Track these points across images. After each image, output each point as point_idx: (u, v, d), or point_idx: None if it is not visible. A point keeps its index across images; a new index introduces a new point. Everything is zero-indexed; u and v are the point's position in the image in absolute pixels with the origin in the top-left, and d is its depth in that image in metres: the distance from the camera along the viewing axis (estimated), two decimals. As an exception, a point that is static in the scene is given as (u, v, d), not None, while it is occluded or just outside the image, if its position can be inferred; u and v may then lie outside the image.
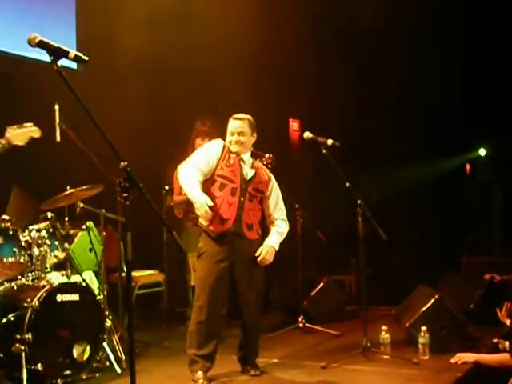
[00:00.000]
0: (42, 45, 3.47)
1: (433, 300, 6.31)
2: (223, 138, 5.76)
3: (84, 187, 5.97)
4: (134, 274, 7.51)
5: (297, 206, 7.32)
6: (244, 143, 5.67)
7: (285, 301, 8.08)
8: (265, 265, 5.69)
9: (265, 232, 5.84)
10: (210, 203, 5.36)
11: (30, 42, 3.47)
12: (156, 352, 6.44)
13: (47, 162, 6.87)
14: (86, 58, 3.47)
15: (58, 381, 5.35)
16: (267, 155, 6.69)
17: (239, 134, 5.64)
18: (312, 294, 7.81)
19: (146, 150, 8.01)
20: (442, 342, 6.13)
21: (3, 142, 5.08)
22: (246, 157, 5.74)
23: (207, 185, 5.58)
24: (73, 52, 3.46)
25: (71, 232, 6.18)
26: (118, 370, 5.74)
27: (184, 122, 8.07)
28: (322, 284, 7.91)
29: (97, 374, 5.68)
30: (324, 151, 6.06)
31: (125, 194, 3.40)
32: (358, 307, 8.34)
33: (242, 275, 5.59)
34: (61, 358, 5.42)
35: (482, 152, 10.80)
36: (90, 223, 6.58)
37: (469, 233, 9.58)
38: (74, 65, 7.88)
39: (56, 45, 3.47)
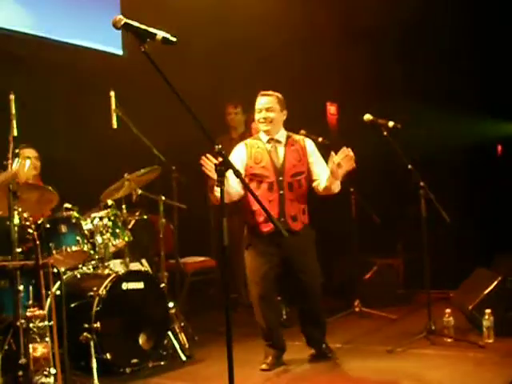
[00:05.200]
0: (127, 27, 3.40)
1: (496, 282, 6.21)
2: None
3: (142, 171, 5.89)
4: (187, 260, 7.47)
5: (352, 189, 7.22)
6: (273, 120, 5.48)
7: (337, 285, 8.01)
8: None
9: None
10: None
11: (116, 25, 3.41)
12: (215, 339, 6.38)
13: (104, 148, 6.83)
14: (174, 39, 3.38)
15: (126, 369, 5.33)
16: (320, 139, 6.59)
17: (267, 109, 5.47)
18: (366, 277, 7.74)
19: (188, 135, 7.93)
20: (506, 325, 6.01)
21: None
22: (280, 136, 5.54)
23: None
24: (160, 34, 3.38)
25: (129, 219, 6.11)
26: (183, 358, 5.70)
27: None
28: (375, 268, 7.84)
29: (162, 362, 5.64)
30: (385, 133, 5.96)
31: (220, 178, 3.29)
32: (408, 291, 8.26)
33: (293, 266, 5.47)
34: (128, 347, 5.41)
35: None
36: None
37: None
38: (120, 51, 7.99)
39: (142, 27, 3.40)
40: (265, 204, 4.91)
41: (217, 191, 5.08)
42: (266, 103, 5.48)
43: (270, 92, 5.54)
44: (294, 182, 5.43)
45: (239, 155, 5.47)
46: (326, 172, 5.41)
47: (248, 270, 5.52)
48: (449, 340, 6.02)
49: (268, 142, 5.52)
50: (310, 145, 5.61)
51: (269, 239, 5.35)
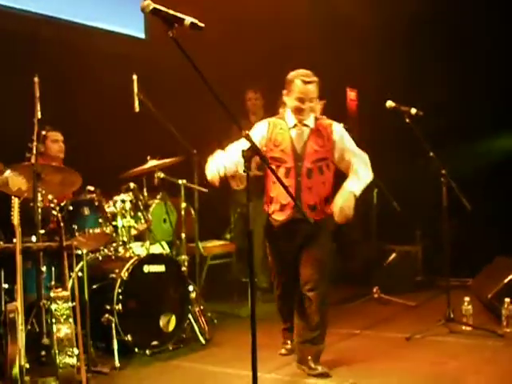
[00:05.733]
0: (155, 12, 3.39)
1: (516, 271, 6.22)
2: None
3: (166, 160, 5.94)
4: (207, 244, 7.50)
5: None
6: (314, 110, 5.06)
7: (357, 271, 8.02)
8: (345, 221, 4.89)
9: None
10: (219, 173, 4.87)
11: (144, 10, 3.38)
12: (234, 322, 6.42)
13: (126, 131, 6.86)
14: (203, 24, 3.37)
15: (147, 351, 5.39)
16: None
17: (310, 100, 4.92)
18: (385, 264, 7.76)
19: (210, 119, 7.96)
20: (525, 314, 6.02)
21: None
22: (308, 121, 5.02)
23: (266, 169, 5.06)
24: (188, 19, 3.36)
25: (150, 202, 6.14)
26: (203, 341, 5.75)
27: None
28: (394, 254, 7.86)
29: (181, 345, 5.70)
30: (407, 120, 5.93)
31: (246, 164, 3.29)
32: (426, 278, 8.27)
33: (303, 256, 5.00)
34: (148, 329, 5.47)
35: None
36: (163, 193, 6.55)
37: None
38: (142, 34, 8.02)
39: (170, 12, 3.38)
40: (280, 191, 4.85)
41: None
42: (310, 93, 4.93)
43: (312, 77, 4.95)
44: (314, 169, 4.97)
45: (260, 133, 5.07)
46: (354, 158, 5.06)
47: (269, 258, 5.29)
48: (467, 328, 6.02)
49: (294, 126, 5.03)
50: (337, 132, 5.07)
51: (283, 229, 5.02)
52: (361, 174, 5.05)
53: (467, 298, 6.14)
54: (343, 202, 4.85)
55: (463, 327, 6.03)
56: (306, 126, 5.02)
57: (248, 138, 3.24)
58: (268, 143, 5.04)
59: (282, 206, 4.99)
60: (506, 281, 6.21)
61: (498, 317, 6.07)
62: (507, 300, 5.96)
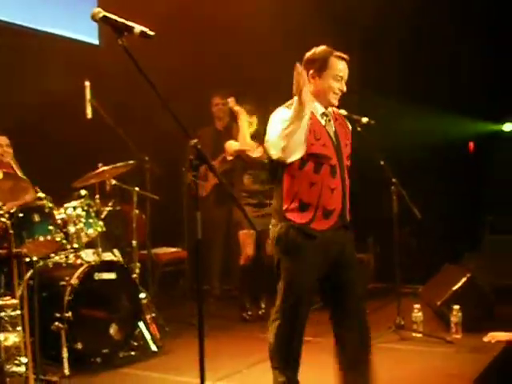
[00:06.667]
0: (105, 20, 3.39)
1: (465, 279, 6.31)
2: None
3: (117, 165, 5.91)
4: (159, 251, 7.49)
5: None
6: None
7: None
8: None
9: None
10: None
11: (94, 17, 3.38)
12: (186, 330, 6.40)
13: (78, 139, 6.82)
14: (152, 33, 3.38)
15: (97, 359, 5.35)
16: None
17: (345, 80, 4.15)
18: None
19: (162, 126, 7.95)
20: (473, 321, 6.09)
21: None
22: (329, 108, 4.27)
23: (294, 168, 4.05)
24: (138, 27, 3.37)
25: (101, 209, 6.11)
26: (154, 348, 5.73)
27: (201, 97, 8.04)
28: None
29: (132, 353, 5.67)
30: (359, 129, 5.97)
31: (194, 173, 3.29)
32: (378, 285, 8.34)
33: (351, 272, 4.34)
34: (99, 337, 5.43)
35: (508, 127, 10.04)
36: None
37: (490, 212, 9.45)
38: (96, 41, 7.98)
39: (120, 20, 3.38)
40: (326, 193, 4.04)
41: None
42: (346, 72, 4.15)
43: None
44: (349, 166, 4.24)
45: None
46: None
47: (288, 280, 4.18)
48: (417, 335, 6.11)
49: (322, 114, 4.18)
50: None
51: (320, 240, 4.08)
52: None
53: (417, 306, 6.23)
54: None
55: (413, 334, 6.12)
56: (328, 114, 4.24)
57: (196, 147, 3.23)
58: (309, 136, 4.01)
59: (328, 212, 4.07)
60: (454, 288, 6.31)
61: (447, 324, 6.16)
62: (456, 307, 6.06)
